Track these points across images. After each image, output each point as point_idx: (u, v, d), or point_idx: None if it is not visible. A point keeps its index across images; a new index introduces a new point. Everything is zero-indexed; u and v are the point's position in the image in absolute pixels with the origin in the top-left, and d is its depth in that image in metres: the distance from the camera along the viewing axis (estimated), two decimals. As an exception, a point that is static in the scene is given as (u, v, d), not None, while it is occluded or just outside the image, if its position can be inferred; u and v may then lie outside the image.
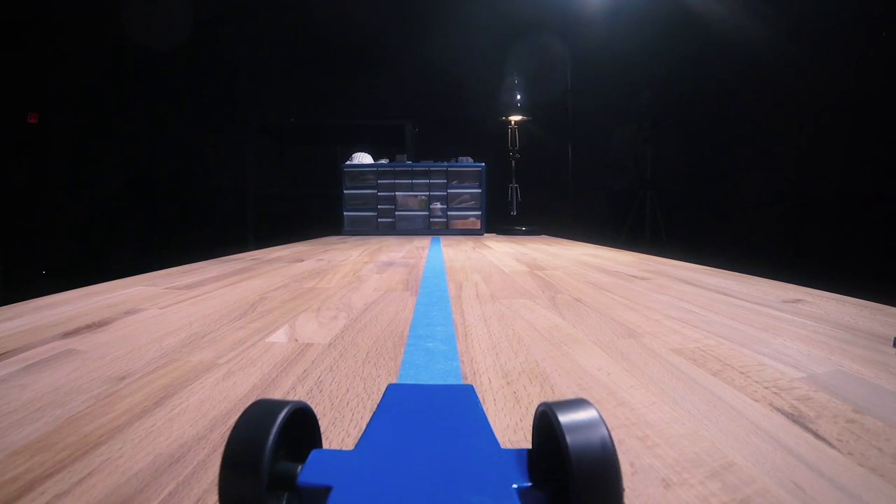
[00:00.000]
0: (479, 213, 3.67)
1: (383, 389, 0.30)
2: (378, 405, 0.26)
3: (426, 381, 0.47)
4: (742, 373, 0.56)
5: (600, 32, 4.13)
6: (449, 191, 3.67)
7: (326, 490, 0.18)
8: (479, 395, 0.42)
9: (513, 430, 0.41)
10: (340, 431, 0.38)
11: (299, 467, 0.20)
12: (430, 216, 3.66)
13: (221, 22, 4.40)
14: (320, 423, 0.40)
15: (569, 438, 0.18)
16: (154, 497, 0.32)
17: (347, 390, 0.44)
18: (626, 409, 0.46)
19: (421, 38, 4.33)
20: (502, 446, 0.25)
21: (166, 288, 1.12)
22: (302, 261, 1.56)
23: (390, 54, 4.52)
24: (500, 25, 4.26)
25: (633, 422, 0.43)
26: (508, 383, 0.45)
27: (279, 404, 0.20)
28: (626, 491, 0.32)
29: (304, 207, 4.71)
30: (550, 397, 0.46)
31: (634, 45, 4.11)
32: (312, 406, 0.43)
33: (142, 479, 0.34)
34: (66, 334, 0.71)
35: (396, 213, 3.66)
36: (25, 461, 0.36)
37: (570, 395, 0.45)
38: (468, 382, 0.46)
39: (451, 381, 0.47)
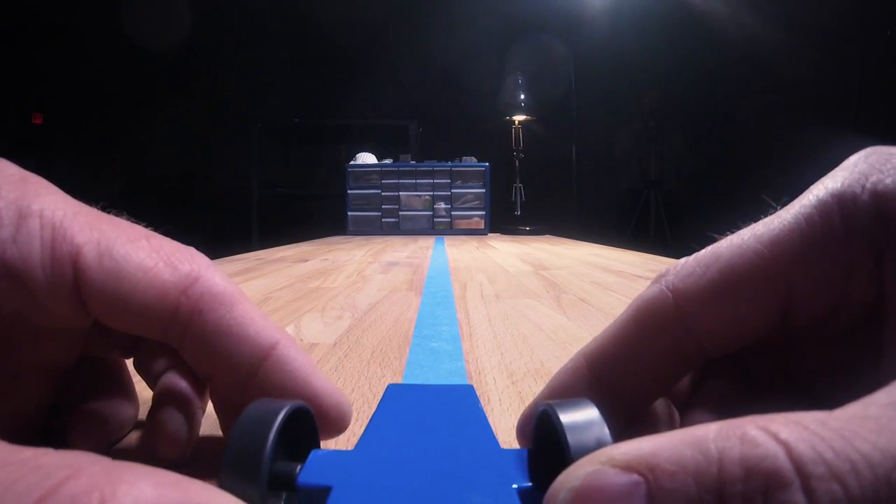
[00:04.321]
0: (483, 212, 3.66)
1: (388, 389, 0.29)
2: (378, 405, 0.26)
3: (432, 381, 0.46)
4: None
5: (604, 31, 4.12)
6: (453, 191, 3.66)
7: (326, 490, 0.18)
8: (485, 395, 0.42)
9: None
10: (347, 431, 0.38)
11: (298, 467, 0.19)
12: (434, 216, 3.65)
13: (224, 22, 4.41)
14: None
15: (570, 437, 0.18)
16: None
17: (353, 390, 0.44)
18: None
19: (424, 39, 4.33)
20: (508, 445, 0.25)
21: (171, 288, 1.12)
22: (306, 261, 1.56)
23: (394, 55, 4.53)
24: (504, 25, 4.26)
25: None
26: (513, 383, 0.45)
27: (279, 404, 0.20)
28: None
29: (308, 207, 4.73)
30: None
31: (638, 44, 4.10)
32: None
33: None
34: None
35: (400, 213, 3.66)
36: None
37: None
38: (473, 382, 0.46)
39: (456, 380, 0.47)
